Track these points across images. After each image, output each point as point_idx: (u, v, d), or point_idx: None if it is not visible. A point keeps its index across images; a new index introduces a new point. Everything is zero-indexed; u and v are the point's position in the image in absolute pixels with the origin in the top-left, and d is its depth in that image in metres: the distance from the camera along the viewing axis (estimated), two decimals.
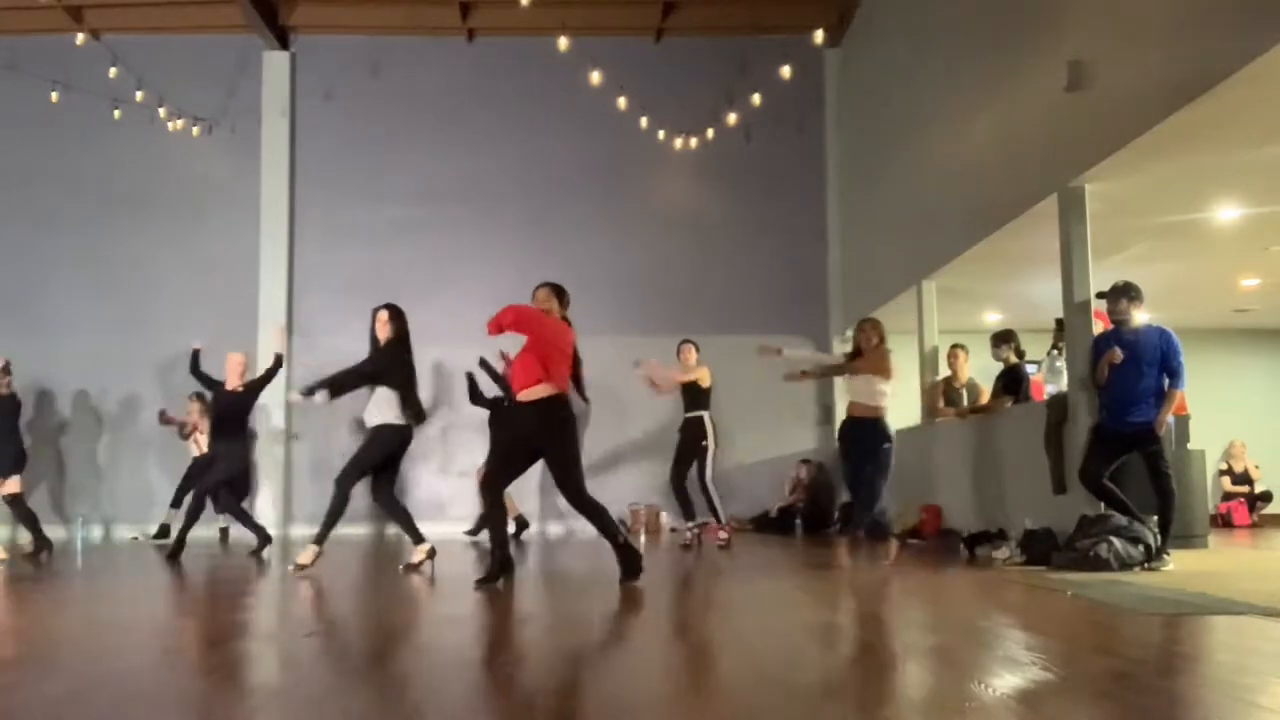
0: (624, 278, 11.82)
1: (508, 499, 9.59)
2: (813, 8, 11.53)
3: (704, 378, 8.46)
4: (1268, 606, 4.05)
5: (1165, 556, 5.83)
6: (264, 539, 8.24)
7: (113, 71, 10.95)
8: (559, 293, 5.63)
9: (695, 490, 8.44)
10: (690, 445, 8.42)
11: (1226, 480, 12.31)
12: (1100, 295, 6.54)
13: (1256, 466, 12.36)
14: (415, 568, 6.36)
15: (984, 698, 2.47)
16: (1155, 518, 5.99)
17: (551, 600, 5.05)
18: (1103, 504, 6.17)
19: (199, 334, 9.00)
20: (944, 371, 9.25)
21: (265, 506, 11.27)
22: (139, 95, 11.12)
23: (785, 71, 10.30)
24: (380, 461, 6.53)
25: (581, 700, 2.62)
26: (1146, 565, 5.75)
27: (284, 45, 11.96)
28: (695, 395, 8.46)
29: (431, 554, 6.46)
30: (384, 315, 6.57)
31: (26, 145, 11.75)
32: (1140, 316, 6.47)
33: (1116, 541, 5.79)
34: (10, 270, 11.61)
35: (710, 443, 8.38)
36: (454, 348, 10.26)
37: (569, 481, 5.42)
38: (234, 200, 11.76)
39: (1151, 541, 5.84)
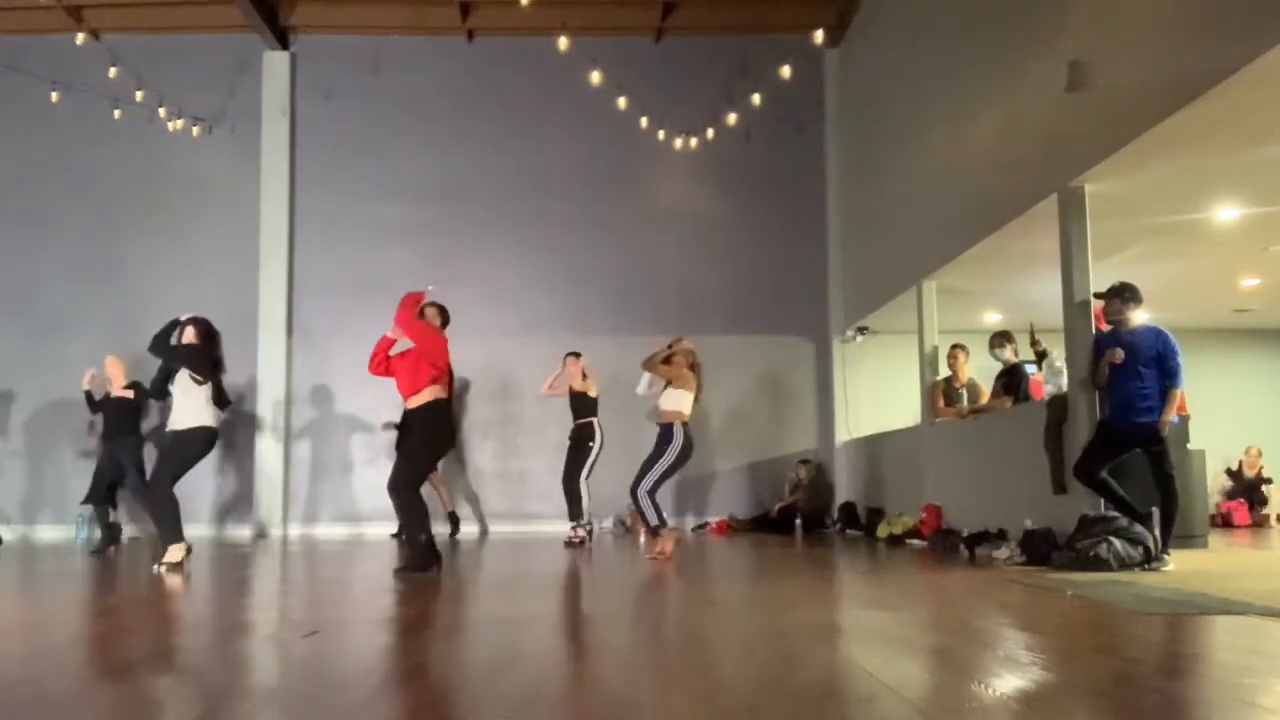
0: (624, 277, 11.83)
1: (444, 494, 10.44)
2: (813, 8, 11.53)
3: (591, 388, 9.05)
4: (1267, 606, 4.05)
5: (1165, 556, 5.84)
6: (108, 541, 8.84)
7: (113, 71, 10.95)
8: (442, 312, 6.79)
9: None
10: (578, 448, 8.97)
11: (1224, 478, 12.29)
12: (1099, 296, 6.53)
13: (1270, 481, 12.31)
14: (177, 567, 6.64)
15: (984, 698, 2.47)
16: (1155, 511, 5.99)
17: (549, 600, 5.04)
18: (1103, 501, 6.18)
19: None
20: (944, 371, 9.26)
21: (266, 507, 11.29)
22: (139, 95, 11.13)
23: (785, 71, 10.31)
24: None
25: (581, 700, 2.62)
26: (1146, 565, 5.76)
27: (284, 45, 11.95)
28: (585, 403, 9.05)
29: (189, 551, 6.83)
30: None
31: (26, 145, 11.76)
32: (1140, 317, 6.47)
33: (1116, 541, 5.79)
34: (10, 270, 11.62)
35: (596, 444, 8.91)
36: (454, 348, 10.24)
37: (399, 474, 6.19)
38: (234, 200, 11.75)
39: (1151, 543, 5.84)
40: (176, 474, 6.79)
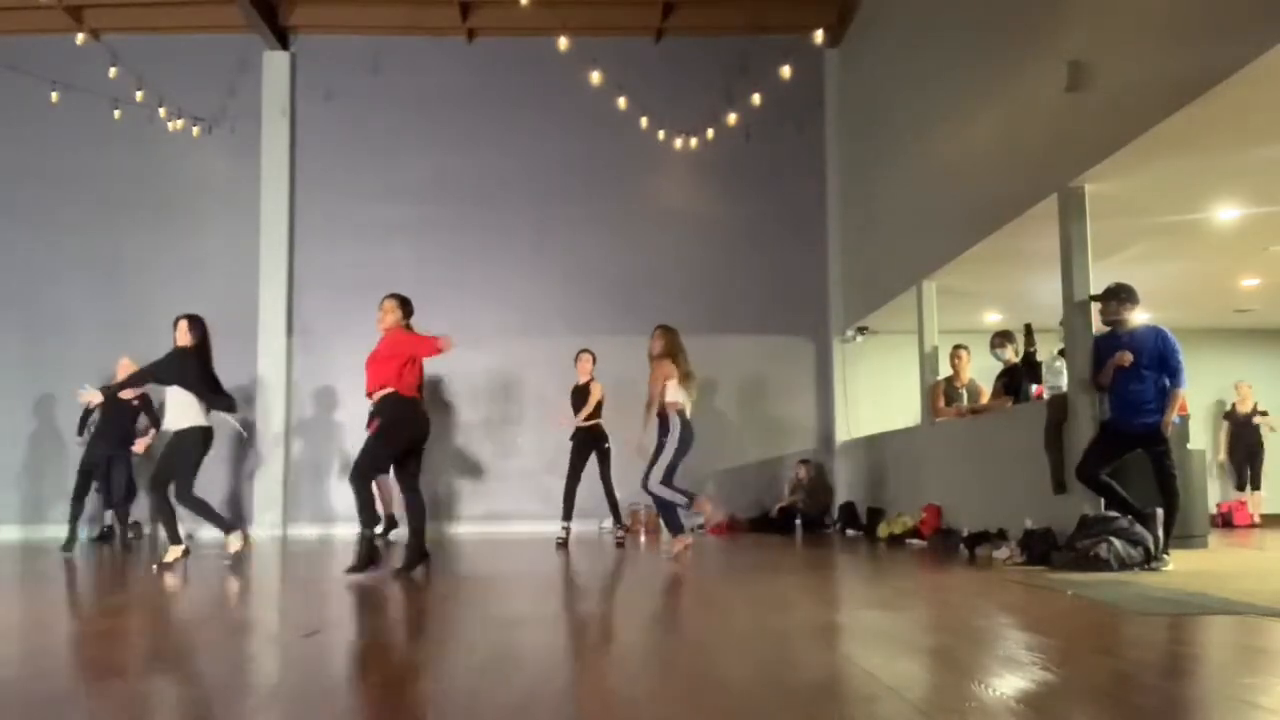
0: (624, 277, 11.83)
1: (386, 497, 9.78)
2: (813, 8, 11.54)
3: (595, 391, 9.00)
4: (1268, 606, 4.05)
5: (1165, 556, 5.84)
6: (72, 540, 9.00)
7: (113, 71, 10.95)
8: (403, 303, 6.34)
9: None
10: (595, 449, 8.88)
11: (1227, 426, 12.30)
12: (1094, 298, 6.52)
13: (1265, 412, 12.22)
14: (169, 567, 6.60)
15: (984, 698, 2.47)
16: (1157, 511, 5.98)
17: (548, 600, 5.04)
18: (1103, 501, 6.18)
19: None
20: (945, 371, 9.26)
21: (266, 506, 11.30)
22: (139, 95, 11.13)
23: (785, 71, 10.30)
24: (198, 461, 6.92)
25: (580, 699, 2.61)
26: (1146, 565, 5.76)
27: (284, 45, 11.96)
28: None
29: (187, 553, 6.84)
30: (184, 324, 6.97)
31: (26, 145, 11.76)
32: (1139, 317, 6.46)
33: (1116, 542, 5.79)
34: (10, 270, 11.62)
35: (610, 445, 8.88)
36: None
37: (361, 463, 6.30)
38: (234, 200, 11.76)
39: (1151, 543, 5.84)
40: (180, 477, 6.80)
